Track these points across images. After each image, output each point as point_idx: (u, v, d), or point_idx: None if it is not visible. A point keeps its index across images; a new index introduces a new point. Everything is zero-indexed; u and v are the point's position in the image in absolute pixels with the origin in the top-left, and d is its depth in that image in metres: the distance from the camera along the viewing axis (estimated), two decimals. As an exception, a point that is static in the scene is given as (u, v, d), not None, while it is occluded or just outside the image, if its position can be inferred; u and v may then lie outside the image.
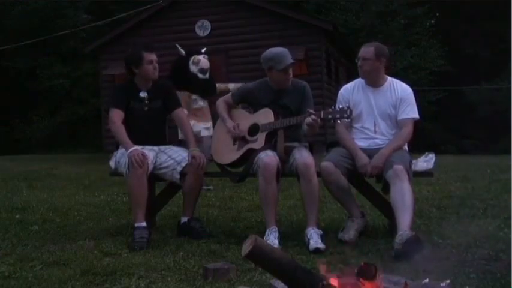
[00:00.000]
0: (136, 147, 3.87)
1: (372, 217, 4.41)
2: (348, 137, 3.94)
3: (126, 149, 3.88)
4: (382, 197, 4.01)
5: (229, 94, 4.23)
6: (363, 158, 3.78)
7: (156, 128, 4.20)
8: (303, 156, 3.73)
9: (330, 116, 3.64)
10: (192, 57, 6.55)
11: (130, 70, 4.12)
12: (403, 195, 3.54)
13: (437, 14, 25.11)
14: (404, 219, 3.45)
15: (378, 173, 3.75)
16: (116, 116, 4.04)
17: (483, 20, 23.60)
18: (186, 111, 4.90)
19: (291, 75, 3.96)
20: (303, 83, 4.09)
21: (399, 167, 3.61)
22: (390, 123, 3.93)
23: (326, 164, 3.77)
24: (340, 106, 3.73)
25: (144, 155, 3.82)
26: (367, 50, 3.92)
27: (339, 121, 3.79)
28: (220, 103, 4.20)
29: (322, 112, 3.65)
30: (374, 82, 3.97)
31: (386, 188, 3.70)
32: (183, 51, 6.66)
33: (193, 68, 6.52)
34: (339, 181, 3.78)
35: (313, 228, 3.62)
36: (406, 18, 22.77)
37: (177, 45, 6.82)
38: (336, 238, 3.78)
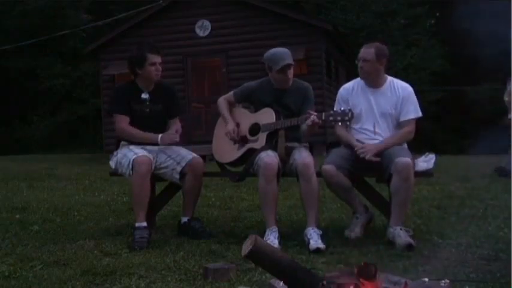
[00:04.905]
0: (144, 152, 3.90)
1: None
2: (345, 133, 3.94)
3: (152, 141, 3.98)
4: (382, 197, 4.01)
5: (231, 92, 4.19)
6: (359, 144, 3.80)
7: (156, 128, 4.17)
8: (302, 156, 3.73)
9: (331, 118, 3.64)
10: None
11: (133, 70, 4.09)
12: (404, 191, 3.61)
13: (437, 14, 25.08)
14: (400, 215, 3.67)
15: (374, 154, 3.71)
16: (123, 122, 4.04)
17: (483, 20, 23.58)
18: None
19: (291, 76, 3.94)
20: (306, 84, 4.07)
21: (407, 160, 3.61)
22: (391, 123, 3.91)
23: (328, 167, 3.76)
24: (342, 108, 3.72)
25: (149, 158, 3.86)
26: (367, 51, 3.88)
27: (339, 123, 3.78)
28: (222, 101, 4.17)
29: (323, 114, 3.65)
30: (374, 83, 3.95)
31: (388, 178, 3.69)
32: None
33: None
34: (341, 183, 3.79)
35: (313, 228, 3.62)
36: (406, 18, 22.76)
37: None
38: (336, 238, 3.78)
